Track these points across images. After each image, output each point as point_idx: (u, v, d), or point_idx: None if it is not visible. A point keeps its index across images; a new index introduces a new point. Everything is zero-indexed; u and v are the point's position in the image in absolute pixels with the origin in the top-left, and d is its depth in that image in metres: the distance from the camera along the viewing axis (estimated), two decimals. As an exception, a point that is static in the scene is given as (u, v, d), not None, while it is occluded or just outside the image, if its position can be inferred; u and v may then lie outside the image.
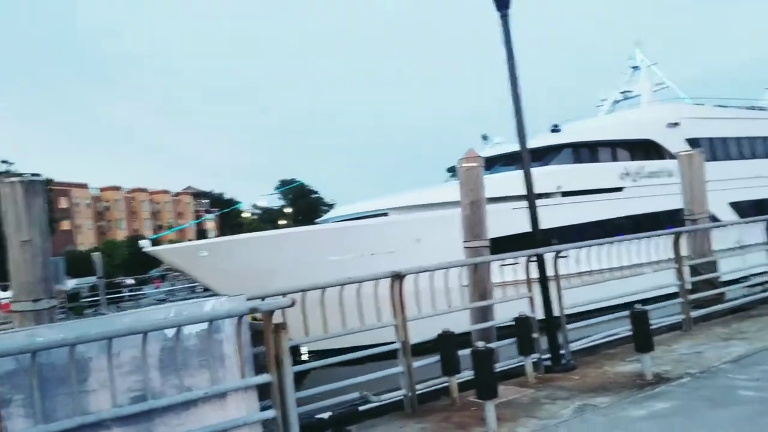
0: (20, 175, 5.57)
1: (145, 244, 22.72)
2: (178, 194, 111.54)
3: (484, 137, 31.44)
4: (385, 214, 25.94)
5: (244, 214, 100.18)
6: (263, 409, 4.42)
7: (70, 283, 27.41)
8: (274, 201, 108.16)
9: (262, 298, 4.93)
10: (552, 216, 22.25)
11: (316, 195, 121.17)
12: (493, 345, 7.18)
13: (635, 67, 34.36)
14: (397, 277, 6.40)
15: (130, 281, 41.21)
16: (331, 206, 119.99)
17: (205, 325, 4.23)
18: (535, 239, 7.38)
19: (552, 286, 7.39)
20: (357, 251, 23.10)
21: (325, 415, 5.93)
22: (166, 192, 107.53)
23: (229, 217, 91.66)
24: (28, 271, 5.56)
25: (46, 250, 5.72)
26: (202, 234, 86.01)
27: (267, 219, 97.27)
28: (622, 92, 34.38)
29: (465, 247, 8.25)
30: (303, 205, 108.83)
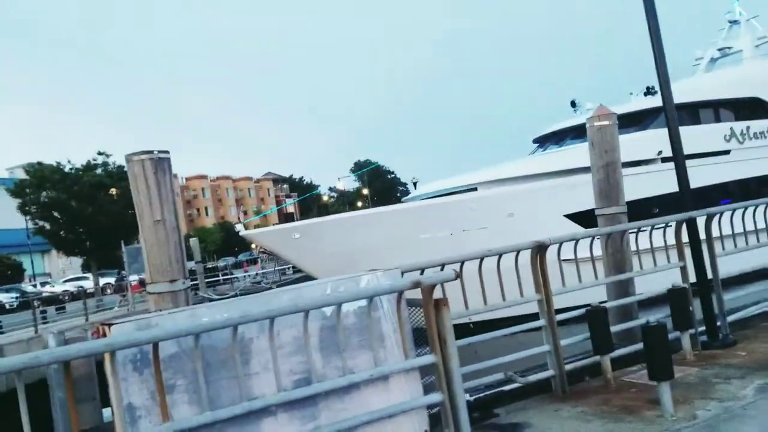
0: (150, 152, 5.37)
1: (241, 228, 22.99)
2: (259, 180, 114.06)
3: (573, 104, 30.12)
4: (474, 189, 25.24)
5: (323, 198, 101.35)
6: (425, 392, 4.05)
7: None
8: (350, 183, 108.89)
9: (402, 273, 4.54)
10: (652, 184, 20.98)
11: (392, 175, 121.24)
12: (640, 320, 6.60)
13: (734, 22, 31.99)
14: (541, 248, 5.89)
15: (222, 264, 42.25)
16: (406, 186, 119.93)
17: (362, 302, 3.88)
18: (685, 202, 6.66)
19: (704, 253, 6.68)
20: (448, 228, 22.60)
21: (470, 398, 5.52)
22: (248, 179, 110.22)
23: (308, 202, 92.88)
24: (162, 252, 5.37)
25: (178, 229, 5.53)
26: (287, 219, 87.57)
27: (344, 201, 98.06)
28: (719, 49, 32.08)
29: (598, 215, 7.61)
30: (379, 186, 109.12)
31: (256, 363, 3.60)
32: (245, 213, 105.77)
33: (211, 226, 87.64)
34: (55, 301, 31.00)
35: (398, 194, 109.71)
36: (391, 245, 21.53)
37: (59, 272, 63.83)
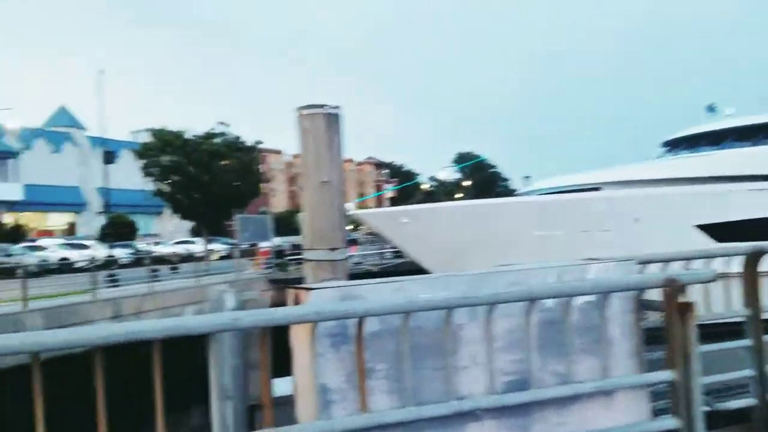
0: (321, 106, 4.87)
1: (350, 208, 22.86)
2: (360, 164, 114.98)
3: (711, 108, 27.92)
4: (597, 189, 23.85)
5: (422, 186, 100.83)
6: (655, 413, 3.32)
7: (276, 241, 28.58)
8: (451, 174, 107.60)
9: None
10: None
11: (493, 169, 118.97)
12: None
13: None
14: (758, 254, 4.96)
15: None
16: (507, 181, 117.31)
17: (589, 298, 3.18)
18: None
19: None
20: (566, 227, 21.42)
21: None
22: (350, 161, 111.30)
23: (408, 189, 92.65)
24: (326, 216, 4.89)
25: (343, 193, 5.03)
26: (387, 205, 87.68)
27: (444, 192, 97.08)
28: None
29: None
30: (480, 178, 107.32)
31: (464, 355, 2.99)
32: (344, 194, 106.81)
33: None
34: (164, 261, 32.25)
35: (498, 189, 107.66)
36: (502, 239, 20.65)
37: (168, 235, 66.79)
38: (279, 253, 27.29)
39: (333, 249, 4.89)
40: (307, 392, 2.77)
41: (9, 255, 33.33)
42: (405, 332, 2.75)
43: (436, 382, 2.89)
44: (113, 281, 22.74)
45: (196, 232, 62.28)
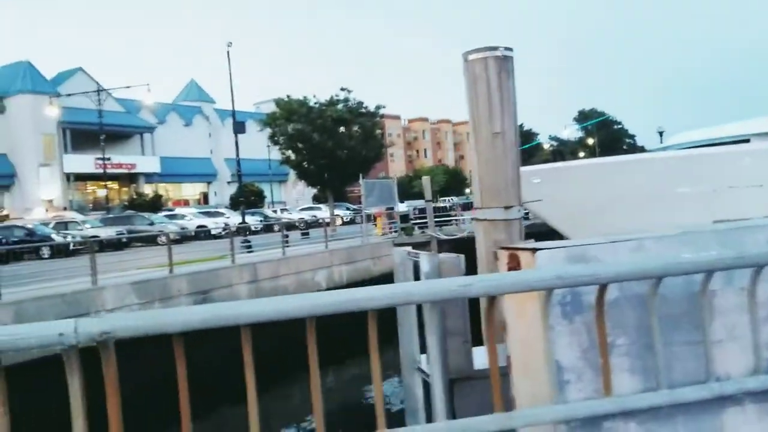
0: (494, 48, 4.36)
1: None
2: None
3: None
4: (747, 141, 21.72)
5: (544, 146, 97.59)
6: None
7: (402, 206, 28.56)
8: (573, 132, 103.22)
9: None
10: None
11: (618, 126, 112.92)
12: None
13: None
14: None
15: (449, 204, 42.22)
16: (634, 137, 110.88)
17: None
18: None
19: None
20: (710, 183, 19.71)
21: None
22: (467, 123, 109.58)
23: (528, 151, 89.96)
24: (498, 171, 4.42)
25: (517, 145, 4.54)
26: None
27: (569, 151, 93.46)
28: None
29: None
30: (604, 136, 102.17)
31: (718, 326, 2.46)
32: (462, 157, 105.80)
33: (432, 166, 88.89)
34: (292, 227, 33.21)
35: (624, 146, 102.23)
36: (641, 199, 19.30)
37: (293, 202, 69.07)
38: (404, 217, 27.19)
39: (507, 207, 4.44)
40: (532, 370, 2.37)
41: (152, 223, 35.62)
42: (653, 300, 2.26)
43: (688, 360, 2.39)
44: (248, 247, 23.58)
45: (318, 199, 64.01)
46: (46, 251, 28.34)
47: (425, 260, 3.28)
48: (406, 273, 3.86)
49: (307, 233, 26.30)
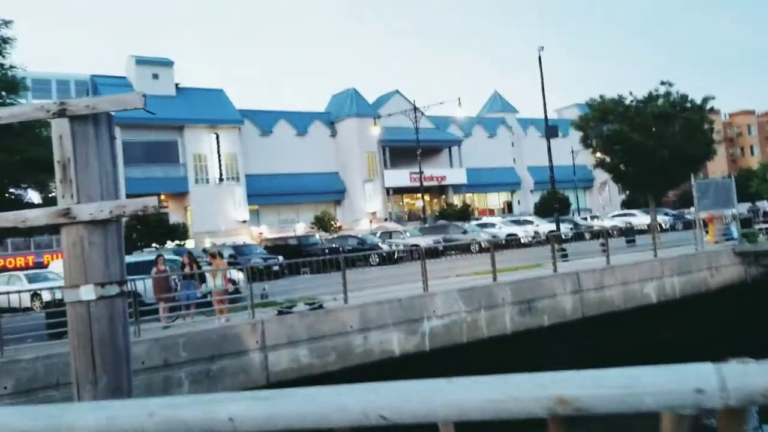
0: None
1: None
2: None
3: None
4: None
5: None
6: None
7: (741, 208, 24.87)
8: None
9: None
10: None
11: None
12: None
13: None
14: None
15: None
16: None
17: None
18: None
19: None
20: None
21: None
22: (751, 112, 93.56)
23: None
24: None
25: None
26: None
27: None
28: None
29: None
30: None
31: None
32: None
33: (757, 165, 77.45)
34: (606, 234, 31.27)
35: None
36: None
37: (598, 208, 65.90)
38: (746, 221, 23.58)
39: None
40: None
41: (465, 232, 36.77)
42: None
43: None
44: (564, 255, 22.64)
45: (629, 205, 59.96)
46: (374, 258, 30.96)
47: None
48: None
49: (634, 240, 24.31)
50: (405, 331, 15.10)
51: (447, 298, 15.94)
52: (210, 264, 16.67)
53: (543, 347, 16.93)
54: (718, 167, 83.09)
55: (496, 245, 33.16)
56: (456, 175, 62.24)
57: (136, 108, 5.68)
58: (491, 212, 64.25)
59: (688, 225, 45.14)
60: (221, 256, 17.71)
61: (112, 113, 5.94)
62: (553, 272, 18.23)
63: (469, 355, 15.77)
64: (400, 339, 14.98)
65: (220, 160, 49.51)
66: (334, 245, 34.10)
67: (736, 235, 23.32)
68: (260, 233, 49.52)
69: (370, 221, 53.74)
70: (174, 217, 46.36)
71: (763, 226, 22.95)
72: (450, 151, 63.43)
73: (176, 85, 50.54)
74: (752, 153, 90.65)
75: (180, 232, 39.87)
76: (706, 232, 24.19)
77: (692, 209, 57.98)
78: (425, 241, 30.54)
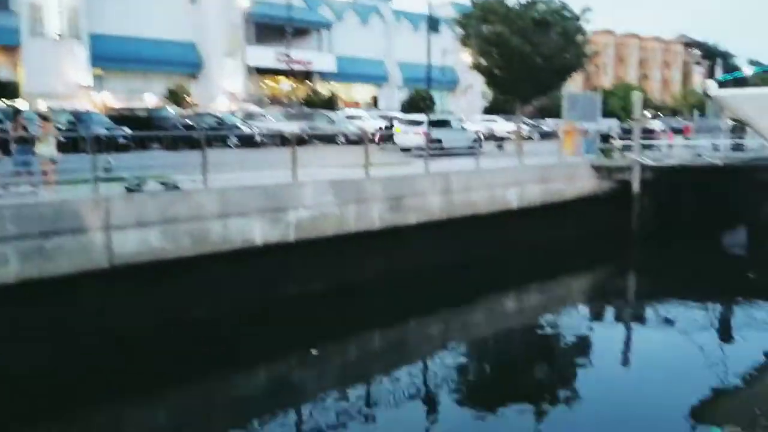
0: None
1: (710, 86, 18.89)
2: (668, 43, 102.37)
3: None
4: None
5: (744, 70, 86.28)
6: None
7: (603, 124, 25.69)
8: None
9: None
10: None
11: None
12: None
13: None
14: None
15: (661, 128, 37.98)
16: None
17: None
18: None
19: None
20: None
21: None
22: (657, 39, 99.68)
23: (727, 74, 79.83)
24: None
25: None
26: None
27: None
28: None
29: None
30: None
31: None
32: (645, 76, 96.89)
33: (609, 85, 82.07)
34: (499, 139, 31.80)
35: None
36: None
37: (460, 112, 66.85)
38: (605, 137, 24.43)
39: None
40: None
41: (332, 122, 35.44)
42: None
43: None
44: (438, 154, 22.22)
45: (489, 111, 61.18)
46: (234, 140, 28.96)
47: None
48: None
49: (501, 146, 24.42)
50: (269, 219, 14.01)
51: (317, 189, 14.93)
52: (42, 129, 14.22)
53: (409, 245, 16.70)
54: (573, 83, 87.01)
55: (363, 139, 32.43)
56: (324, 61, 59.72)
57: None
58: (357, 105, 62.88)
59: (545, 135, 46.69)
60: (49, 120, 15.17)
61: None
62: (425, 171, 17.79)
63: (335, 249, 15.09)
64: (264, 228, 13.89)
65: (59, 13, 43.37)
66: (188, 122, 31.43)
67: (590, 149, 24.09)
68: (104, 101, 44.82)
69: (229, 101, 50.52)
70: (2, 73, 40.55)
71: (623, 142, 23.87)
72: (321, 34, 60.44)
73: None
74: (605, 73, 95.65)
75: (9, 90, 34.89)
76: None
77: (548, 120, 59.96)
78: (290, 128, 28.85)
